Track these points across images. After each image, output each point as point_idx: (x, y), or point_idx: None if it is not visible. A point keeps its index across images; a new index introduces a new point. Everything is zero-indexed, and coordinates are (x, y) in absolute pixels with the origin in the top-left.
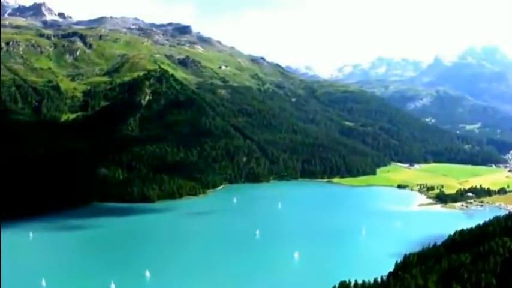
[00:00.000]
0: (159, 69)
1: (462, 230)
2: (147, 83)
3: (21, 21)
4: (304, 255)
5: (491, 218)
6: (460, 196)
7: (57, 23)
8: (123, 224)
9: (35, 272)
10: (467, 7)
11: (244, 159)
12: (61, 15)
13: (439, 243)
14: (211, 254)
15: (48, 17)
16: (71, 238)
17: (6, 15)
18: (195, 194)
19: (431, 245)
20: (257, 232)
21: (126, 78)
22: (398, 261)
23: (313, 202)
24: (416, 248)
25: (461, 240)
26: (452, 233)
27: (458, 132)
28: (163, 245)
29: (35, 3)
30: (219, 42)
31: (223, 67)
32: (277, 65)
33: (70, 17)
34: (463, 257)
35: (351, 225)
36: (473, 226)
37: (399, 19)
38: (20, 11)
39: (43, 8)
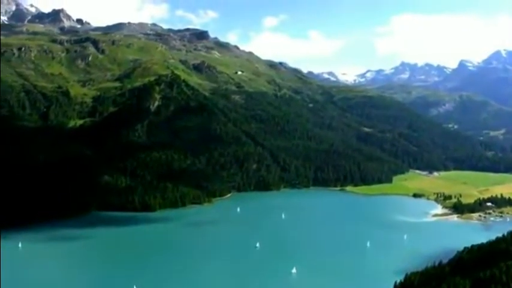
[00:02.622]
0: (170, 75)
1: (472, 247)
2: (157, 88)
3: (39, 27)
4: (303, 270)
5: (508, 232)
6: (478, 206)
7: (75, 29)
8: (118, 234)
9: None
10: (492, 11)
11: (254, 166)
12: (79, 21)
13: (446, 260)
14: (206, 268)
15: (66, 23)
16: (61, 249)
17: (25, 22)
18: (199, 203)
19: (437, 263)
20: (257, 244)
21: (137, 84)
22: (398, 281)
23: (321, 212)
24: (421, 265)
25: (468, 259)
26: (462, 248)
27: (481, 138)
28: (157, 257)
29: (53, 10)
30: (236, 47)
31: (239, 72)
32: (296, 70)
33: (88, 23)
34: (462, 283)
35: (357, 238)
36: (485, 242)
37: (424, 24)
38: (39, 17)
39: (61, 15)
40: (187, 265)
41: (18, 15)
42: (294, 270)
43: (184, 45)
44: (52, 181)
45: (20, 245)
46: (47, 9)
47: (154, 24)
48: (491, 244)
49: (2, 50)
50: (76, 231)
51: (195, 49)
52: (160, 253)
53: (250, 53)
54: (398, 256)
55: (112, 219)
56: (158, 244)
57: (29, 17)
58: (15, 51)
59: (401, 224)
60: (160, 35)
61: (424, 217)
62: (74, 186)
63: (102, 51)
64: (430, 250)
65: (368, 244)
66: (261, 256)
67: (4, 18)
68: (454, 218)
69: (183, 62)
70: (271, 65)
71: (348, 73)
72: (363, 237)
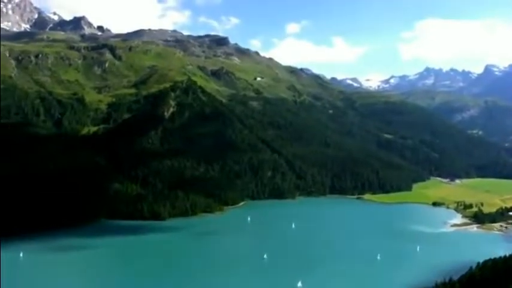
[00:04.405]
0: (185, 81)
1: (485, 263)
2: (173, 94)
3: (59, 34)
4: (308, 284)
5: None
6: (499, 215)
7: (95, 36)
8: (123, 243)
9: None
10: None
11: (269, 174)
12: (100, 28)
13: (458, 275)
14: (211, 280)
15: (87, 31)
16: (64, 259)
17: (47, 29)
18: (210, 212)
19: (447, 279)
20: (265, 256)
21: (153, 90)
22: None
23: (333, 221)
24: (431, 281)
25: (480, 277)
26: (477, 261)
27: (506, 145)
28: (160, 268)
29: (75, 17)
30: (257, 53)
31: (259, 78)
32: (317, 76)
33: (109, 30)
34: None
35: (368, 249)
36: (502, 255)
37: (449, 29)
38: (61, 25)
39: (82, 22)
40: (191, 276)
41: (40, 23)
42: (299, 284)
43: (203, 52)
44: (61, 189)
45: (21, 254)
46: (69, 17)
47: (174, 31)
48: (505, 261)
49: (19, 57)
50: (82, 240)
51: (214, 55)
52: (164, 264)
53: (271, 59)
54: (408, 270)
55: (120, 228)
56: (163, 254)
57: (51, 25)
58: (32, 58)
59: (417, 234)
60: (179, 41)
61: (442, 227)
62: (84, 194)
63: (119, 58)
64: (443, 263)
65: (378, 256)
66: (268, 268)
67: (26, 26)
68: (474, 228)
69: (201, 68)
70: (292, 71)
71: (372, 79)
72: (374, 249)
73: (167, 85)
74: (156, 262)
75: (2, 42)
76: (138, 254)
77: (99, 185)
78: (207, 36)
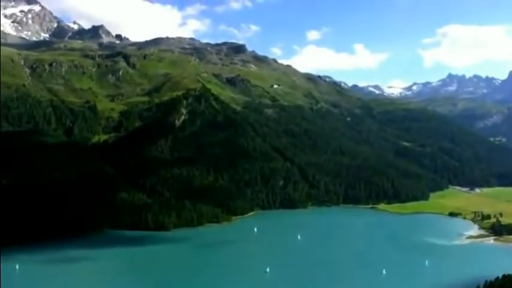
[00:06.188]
0: (199, 88)
1: (494, 280)
2: (185, 102)
3: (77, 43)
4: None
5: None
6: None
7: (113, 45)
8: (123, 255)
9: None
10: None
11: (281, 183)
12: (118, 37)
13: None
14: None
15: (105, 39)
16: (60, 271)
17: (66, 39)
18: (217, 222)
19: None
20: (267, 269)
21: (165, 98)
22: None
23: (342, 232)
24: None
25: None
26: (489, 278)
27: None
28: (158, 282)
29: (93, 26)
30: (274, 60)
31: (275, 86)
32: (335, 83)
33: (127, 39)
34: None
35: (374, 263)
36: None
37: (472, 35)
38: (79, 33)
39: (100, 31)
40: None
41: (59, 32)
42: None
43: (220, 59)
44: (64, 198)
45: (17, 266)
46: (88, 26)
47: (192, 39)
48: None
49: (34, 66)
50: (82, 251)
51: (231, 63)
52: (162, 277)
53: (289, 66)
54: (415, 286)
55: (123, 239)
56: (161, 267)
57: (70, 34)
58: (46, 66)
59: (428, 247)
60: (196, 49)
61: (456, 239)
62: (88, 204)
63: (133, 66)
64: (451, 279)
65: (384, 271)
66: (269, 283)
67: (46, 35)
68: (491, 240)
69: (216, 76)
70: (310, 78)
71: (394, 86)
72: (380, 263)
73: (180, 93)
74: (154, 275)
75: (19, 51)
76: (137, 266)
77: (105, 194)
78: (225, 43)
